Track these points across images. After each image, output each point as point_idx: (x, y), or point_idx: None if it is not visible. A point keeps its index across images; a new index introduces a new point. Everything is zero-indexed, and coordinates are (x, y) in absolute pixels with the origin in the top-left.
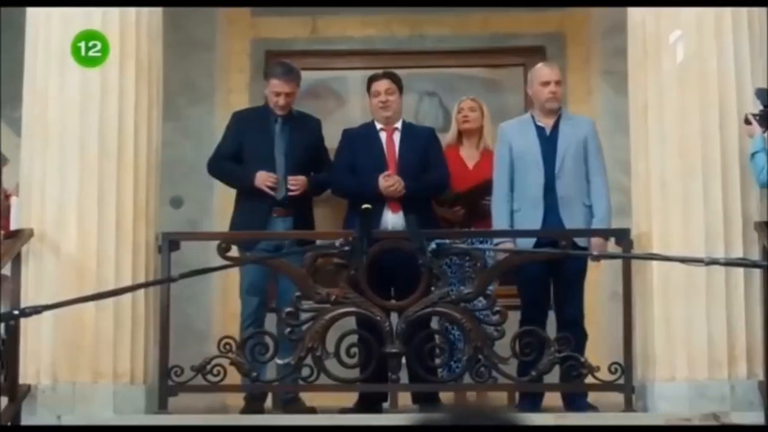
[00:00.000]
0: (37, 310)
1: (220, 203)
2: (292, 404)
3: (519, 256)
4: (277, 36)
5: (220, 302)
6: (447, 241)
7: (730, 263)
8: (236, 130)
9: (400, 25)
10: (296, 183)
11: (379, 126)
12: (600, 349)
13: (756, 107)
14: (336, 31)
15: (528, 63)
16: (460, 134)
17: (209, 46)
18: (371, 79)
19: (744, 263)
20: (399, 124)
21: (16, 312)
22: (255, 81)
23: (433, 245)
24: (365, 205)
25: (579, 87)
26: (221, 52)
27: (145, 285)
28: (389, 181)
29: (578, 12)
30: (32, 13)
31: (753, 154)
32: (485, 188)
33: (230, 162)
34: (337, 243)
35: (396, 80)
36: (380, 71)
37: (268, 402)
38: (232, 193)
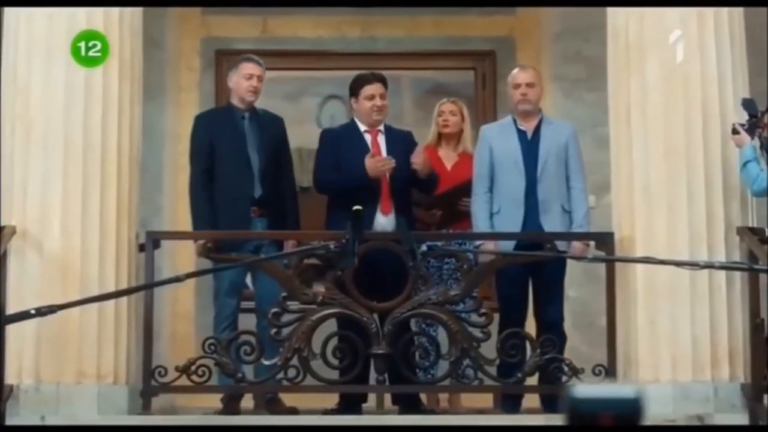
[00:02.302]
0: (52, 309)
1: (170, 202)
2: (272, 405)
3: (504, 258)
4: (227, 35)
5: (169, 301)
6: (439, 243)
7: (725, 267)
8: (202, 130)
9: (351, 27)
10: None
11: (363, 127)
12: None
13: (742, 117)
14: (287, 31)
15: (479, 67)
16: (440, 135)
17: (159, 44)
18: (362, 82)
19: (740, 267)
20: (381, 126)
21: (33, 311)
22: (205, 79)
23: (424, 248)
24: (356, 207)
25: None
26: (172, 51)
27: (153, 285)
28: (378, 161)
29: (528, 17)
30: (12, 10)
31: (744, 164)
32: (462, 190)
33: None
34: (332, 245)
35: (386, 83)
36: (367, 72)
37: (246, 403)
38: (183, 191)
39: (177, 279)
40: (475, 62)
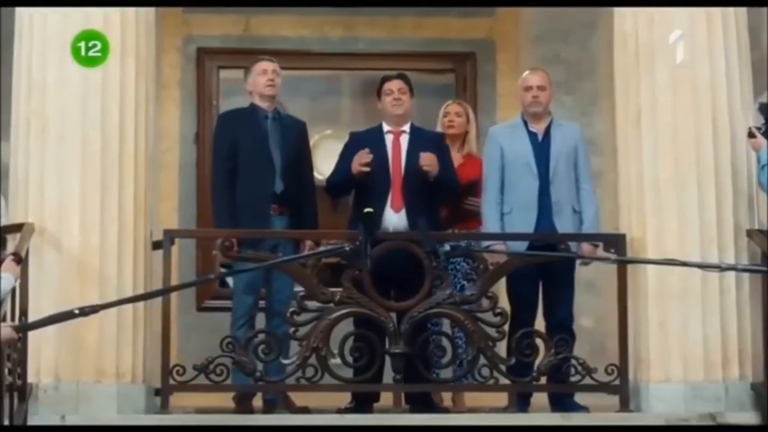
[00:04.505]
0: (94, 309)
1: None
2: (280, 403)
3: (520, 259)
4: (209, 33)
5: (151, 301)
6: (462, 243)
7: (747, 269)
8: (226, 130)
9: (333, 27)
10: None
11: (386, 128)
12: None
13: (749, 119)
14: (269, 30)
15: (459, 68)
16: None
17: None
18: (383, 80)
19: (762, 269)
20: (407, 127)
21: (77, 311)
22: (187, 77)
23: (447, 247)
24: (367, 210)
25: (509, 93)
26: None
27: (187, 285)
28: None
29: (507, 19)
30: (26, 9)
31: (763, 167)
32: (467, 190)
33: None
34: (347, 247)
35: (408, 82)
36: (392, 72)
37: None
38: (166, 191)
39: (209, 279)
40: (455, 64)
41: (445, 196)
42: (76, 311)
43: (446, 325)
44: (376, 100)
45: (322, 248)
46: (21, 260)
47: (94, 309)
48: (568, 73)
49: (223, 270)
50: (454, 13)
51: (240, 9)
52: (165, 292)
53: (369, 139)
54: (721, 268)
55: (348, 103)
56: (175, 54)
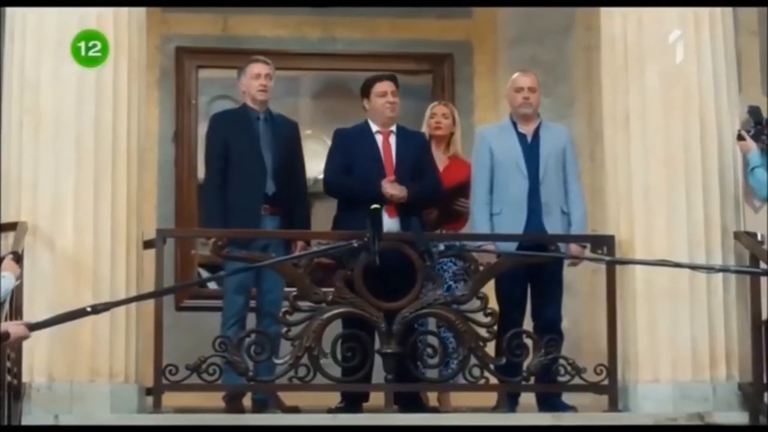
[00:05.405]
0: (107, 307)
1: None
2: (271, 403)
3: (511, 259)
4: (187, 32)
5: None
6: (456, 243)
7: (740, 271)
8: (218, 130)
9: (311, 27)
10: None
11: (375, 128)
12: None
13: (736, 121)
14: (247, 30)
15: (437, 70)
16: (430, 137)
17: None
18: (373, 81)
19: (755, 271)
20: (394, 127)
21: (89, 309)
22: (165, 77)
23: (441, 247)
24: (374, 206)
25: (487, 95)
26: None
27: (189, 285)
28: (395, 189)
29: (485, 21)
30: (18, 8)
31: (752, 170)
32: (458, 191)
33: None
34: (356, 243)
35: (396, 82)
36: (382, 73)
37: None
38: (147, 190)
39: (213, 279)
40: (433, 65)
41: (431, 197)
42: (89, 309)
43: (432, 324)
44: (337, 99)
45: (327, 245)
46: (20, 259)
47: (106, 307)
48: (544, 76)
49: (201, 270)
50: (431, 14)
51: (218, 9)
52: (171, 290)
53: (357, 137)
54: (715, 270)
55: (308, 103)
56: (154, 53)
